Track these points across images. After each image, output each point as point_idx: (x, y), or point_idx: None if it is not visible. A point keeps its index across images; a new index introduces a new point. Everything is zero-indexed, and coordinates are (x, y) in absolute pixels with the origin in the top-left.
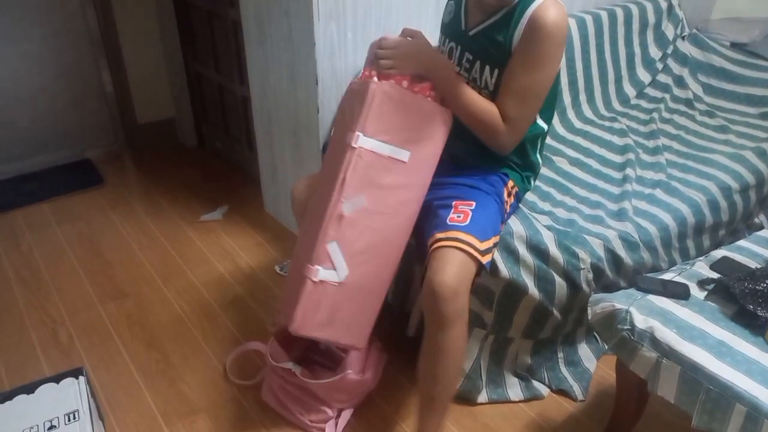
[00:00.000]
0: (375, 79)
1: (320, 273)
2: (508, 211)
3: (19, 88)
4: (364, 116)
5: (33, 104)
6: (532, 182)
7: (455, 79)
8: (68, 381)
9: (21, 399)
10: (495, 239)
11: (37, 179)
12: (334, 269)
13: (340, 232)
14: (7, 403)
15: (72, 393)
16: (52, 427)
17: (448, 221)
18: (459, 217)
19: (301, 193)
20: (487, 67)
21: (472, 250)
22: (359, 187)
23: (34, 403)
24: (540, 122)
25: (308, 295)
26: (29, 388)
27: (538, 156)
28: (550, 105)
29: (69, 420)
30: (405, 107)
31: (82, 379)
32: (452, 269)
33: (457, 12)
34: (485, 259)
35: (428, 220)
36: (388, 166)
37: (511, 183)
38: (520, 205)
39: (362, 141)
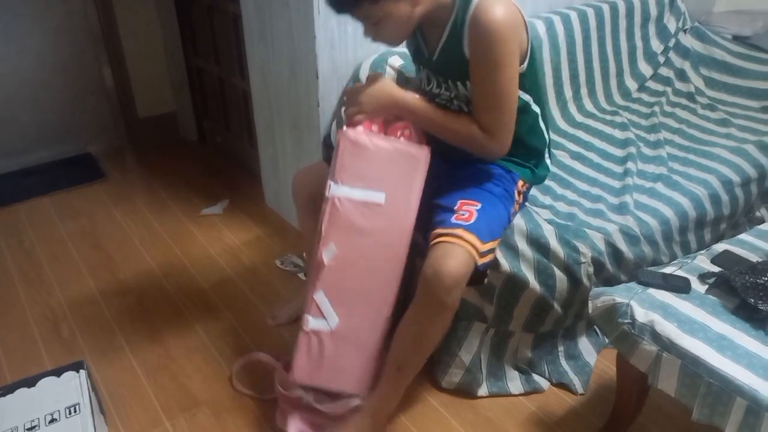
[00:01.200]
0: (344, 128)
1: (311, 322)
2: (516, 210)
3: (20, 83)
4: (336, 166)
5: (34, 99)
6: (548, 163)
7: (420, 109)
8: (69, 374)
9: (22, 392)
10: (495, 243)
11: (39, 174)
12: (324, 318)
13: (324, 281)
14: (8, 396)
15: (73, 386)
16: (53, 420)
17: (452, 219)
18: (464, 215)
19: (301, 183)
20: (459, 83)
21: (471, 249)
22: (339, 235)
23: (35, 397)
24: (529, 100)
25: (304, 345)
26: (30, 382)
27: (544, 136)
28: (535, 87)
29: (70, 413)
30: (374, 151)
31: (83, 372)
32: (454, 262)
33: (416, 41)
34: (482, 260)
35: (433, 218)
36: (364, 210)
37: (521, 183)
38: None
39: (335, 190)
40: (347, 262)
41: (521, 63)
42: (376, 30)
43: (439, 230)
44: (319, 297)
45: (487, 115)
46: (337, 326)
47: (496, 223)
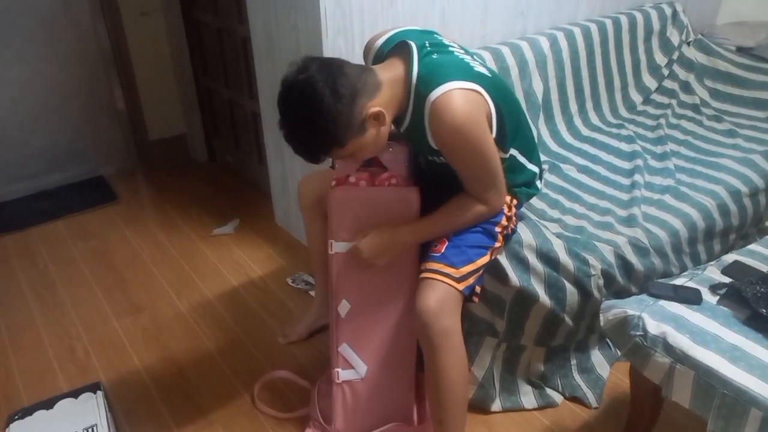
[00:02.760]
0: (333, 183)
1: (341, 375)
2: (513, 225)
3: (32, 107)
4: (333, 225)
5: (46, 123)
6: (539, 183)
7: (419, 229)
8: (86, 396)
9: (40, 414)
10: (474, 265)
11: (52, 197)
12: (353, 368)
13: (344, 333)
14: (27, 418)
15: (90, 407)
16: None
17: (429, 252)
18: (436, 246)
19: (306, 187)
20: (435, 156)
21: (446, 279)
22: (350, 289)
23: (54, 419)
24: (514, 155)
25: (339, 398)
26: (48, 404)
27: (528, 169)
28: (510, 136)
29: None
30: (364, 204)
31: (99, 393)
32: (432, 295)
33: None
34: (462, 286)
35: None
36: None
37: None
38: (529, 213)
39: (336, 247)
40: (363, 310)
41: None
42: (354, 158)
43: (421, 266)
44: (344, 349)
45: (479, 189)
46: (367, 372)
47: (467, 248)
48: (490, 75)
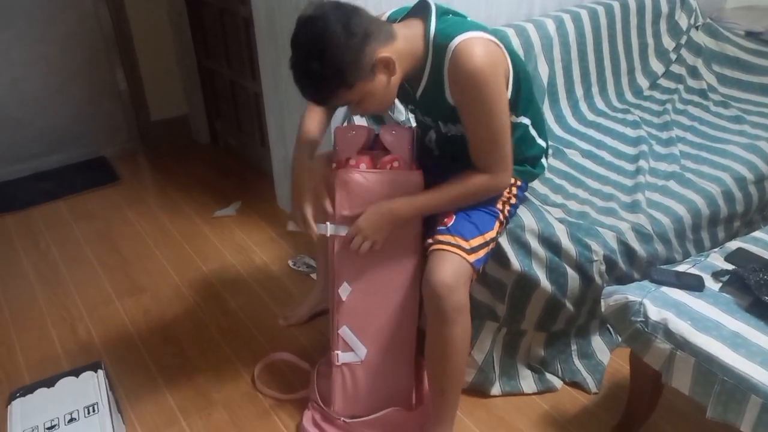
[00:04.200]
0: (333, 165)
1: (341, 357)
2: (513, 204)
3: (34, 88)
4: (335, 208)
5: (48, 103)
6: (544, 162)
7: (421, 203)
8: (87, 375)
9: (41, 392)
10: (482, 238)
11: (54, 177)
12: (353, 351)
13: (345, 316)
14: (28, 396)
15: (91, 386)
16: (72, 419)
17: (437, 225)
18: (443, 220)
19: None
20: (450, 123)
21: (458, 250)
22: (351, 270)
23: (55, 397)
24: (521, 120)
25: (339, 381)
26: (49, 382)
27: (537, 144)
28: (524, 100)
29: (88, 413)
30: (369, 185)
31: (100, 372)
32: (445, 268)
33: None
34: (472, 257)
35: (427, 226)
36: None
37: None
38: (531, 197)
39: (337, 230)
40: (364, 293)
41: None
42: (360, 108)
43: (428, 239)
44: (344, 332)
45: (486, 154)
46: (367, 355)
47: (476, 218)
48: (503, 43)
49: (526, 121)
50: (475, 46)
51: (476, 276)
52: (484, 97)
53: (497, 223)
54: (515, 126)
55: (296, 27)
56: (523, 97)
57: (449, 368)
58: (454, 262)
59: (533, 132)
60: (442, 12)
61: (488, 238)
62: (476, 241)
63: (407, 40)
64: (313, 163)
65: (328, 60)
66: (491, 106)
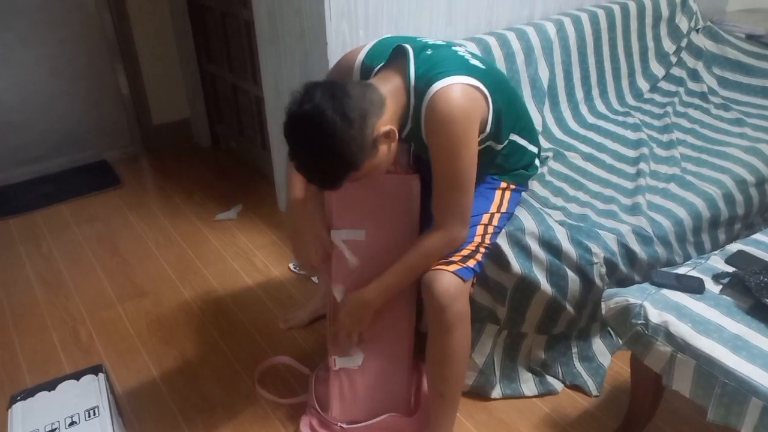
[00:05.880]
0: None
1: (338, 362)
2: (507, 207)
3: (36, 91)
4: (332, 213)
5: (51, 107)
6: (537, 162)
7: (386, 285)
8: (88, 378)
9: (42, 396)
10: (472, 245)
11: (56, 181)
12: (350, 356)
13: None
14: (29, 399)
15: (92, 389)
16: (72, 423)
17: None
18: None
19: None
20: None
21: (454, 266)
22: (348, 276)
23: (55, 400)
24: (507, 140)
25: (336, 386)
26: (50, 385)
27: (528, 152)
28: (506, 129)
29: (89, 416)
30: (365, 191)
31: (101, 375)
32: (446, 279)
33: None
34: (469, 263)
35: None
36: (366, 245)
37: (503, 183)
38: (532, 200)
39: (335, 235)
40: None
41: (483, 130)
42: (367, 177)
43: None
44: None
45: (446, 202)
46: (364, 361)
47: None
48: (484, 67)
49: (513, 138)
50: (454, 92)
51: (476, 279)
52: (453, 142)
53: (482, 226)
54: (505, 145)
55: (290, 122)
56: (507, 124)
57: (449, 373)
58: (452, 274)
59: (522, 142)
60: (420, 49)
61: (477, 242)
62: (466, 250)
63: (393, 97)
64: (310, 207)
65: (336, 155)
66: (458, 154)
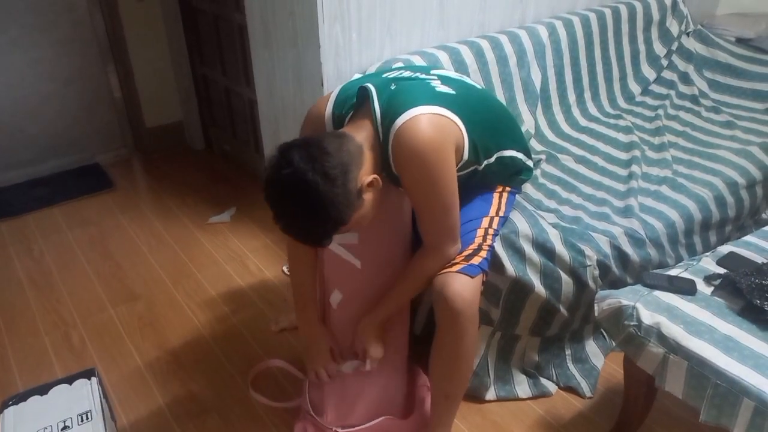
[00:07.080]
0: None
1: (343, 368)
2: (504, 210)
3: (29, 94)
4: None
5: (43, 110)
6: (530, 164)
7: (383, 307)
8: (81, 382)
9: (35, 400)
10: (474, 244)
11: (48, 184)
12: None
13: (337, 325)
14: (21, 404)
15: (85, 394)
16: (65, 427)
17: None
18: None
19: None
20: None
21: (461, 265)
22: (341, 278)
23: (48, 404)
24: (501, 155)
25: (330, 389)
26: (42, 390)
27: (517, 157)
28: (484, 150)
29: (82, 420)
30: None
31: (94, 380)
32: (456, 282)
33: None
34: (473, 261)
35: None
36: (359, 248)
37: (500, 187)
38: (525, 203)
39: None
40: (355, 302)
41: (461, 158)
42: (358, 227)
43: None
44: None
45: (433, 227)
46: (359, 364)
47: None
48: (453, 92)
49: (501, 154)
50: (419, 125)
51: (485, 277)
52: (429, 176)
53: (484, 220)
54: (493, 162)
55: (271, 188)
56: (490, 149)
57: (457, 374)
58: (462, 275)
59: (510, 153)
60: (384, 86)
61: (479, 240)
62: (471, 247)
63: (368, 142)
64: (320, 324)
65: (323, 216)
66: (434, 184)
